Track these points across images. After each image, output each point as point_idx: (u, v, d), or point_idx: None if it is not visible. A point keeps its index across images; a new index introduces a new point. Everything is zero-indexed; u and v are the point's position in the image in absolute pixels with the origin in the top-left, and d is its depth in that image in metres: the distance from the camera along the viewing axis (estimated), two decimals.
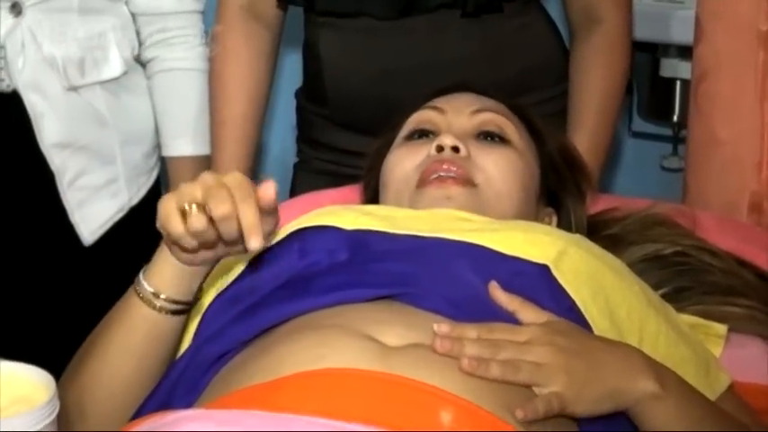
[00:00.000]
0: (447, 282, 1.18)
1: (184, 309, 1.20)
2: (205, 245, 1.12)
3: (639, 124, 2.59)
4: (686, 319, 1.36)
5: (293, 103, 1.89)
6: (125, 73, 1.85)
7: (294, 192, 1.84)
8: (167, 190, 1.94)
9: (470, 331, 1.08)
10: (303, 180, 1.85)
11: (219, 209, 1.07)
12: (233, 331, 1.16)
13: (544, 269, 1.22)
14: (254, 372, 1.08)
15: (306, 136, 1.86)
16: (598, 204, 1.59)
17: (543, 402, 1.05)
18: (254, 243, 1.07)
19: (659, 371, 1.12)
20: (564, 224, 1.45)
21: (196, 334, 1.24)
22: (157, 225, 1.13)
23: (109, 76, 1.82)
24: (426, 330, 1.09)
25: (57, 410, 1.02)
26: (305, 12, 1.77)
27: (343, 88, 1.74)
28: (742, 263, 1.48)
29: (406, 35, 1.69)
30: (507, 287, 1.17)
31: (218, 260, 1.18)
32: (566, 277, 1.22)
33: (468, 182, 1.34)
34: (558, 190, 1.47)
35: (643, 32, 2.09)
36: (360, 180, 1.57)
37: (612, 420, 1.10)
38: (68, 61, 1.77)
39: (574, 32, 1.77)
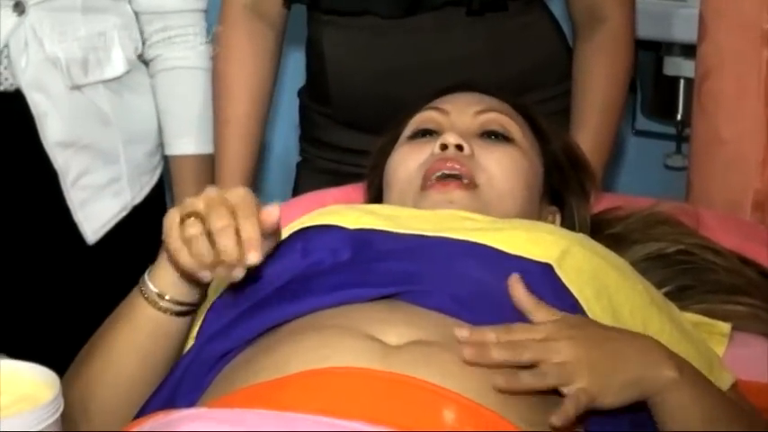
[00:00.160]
0: (450, 280, 1.17)
1: (189, 310, 1.21)
2: (203, 264, 1.11)
3: (643, 123, 2.58)
4: (690, 317, 1.36)
5: (296, 101, 1.89)
6: (128, 72, 1.84)
7: (297, 191, 1.84)
8: (170, 189, 1.94)
9: (489, 334, 1.08)
10: (306, 179, 1.85)
11: (218, 222, 1.07)
12: (237, 330, 1.16)
13: (547, 268, 1.22)
14: (258, 370, 1.08)
15: (309, 135, 1.86)
16: (601, 203, 1.59)
17: (572, 402, 1.04)
18: (253, 257, 1.07)
19: (676, 359, 1.12)
20: (567, 223, 1.45)
21: (199, 332, 1.24)
22: (163, 238, 1.13)
23: (112, 75, 1.82)
24: (429, 328, 1.09)
25: (61, 409, 1.02)
26: (308, 10, 1.77)
27: (346, 87, 1.74)
28: (745, 261, 1.48)
29: (410, 34, 1.68)
30: None
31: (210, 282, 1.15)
32: (569, 276, 1.22)
33: (469, 184, 1.34)
34: (561, 189, 1.46)
35: (646, 31, 2.08)
36: (363, 179, 1.57)
37: (618, 421, 1.10)
38: (71, 60, 1.76)
39: (577, 31, 1.76)
